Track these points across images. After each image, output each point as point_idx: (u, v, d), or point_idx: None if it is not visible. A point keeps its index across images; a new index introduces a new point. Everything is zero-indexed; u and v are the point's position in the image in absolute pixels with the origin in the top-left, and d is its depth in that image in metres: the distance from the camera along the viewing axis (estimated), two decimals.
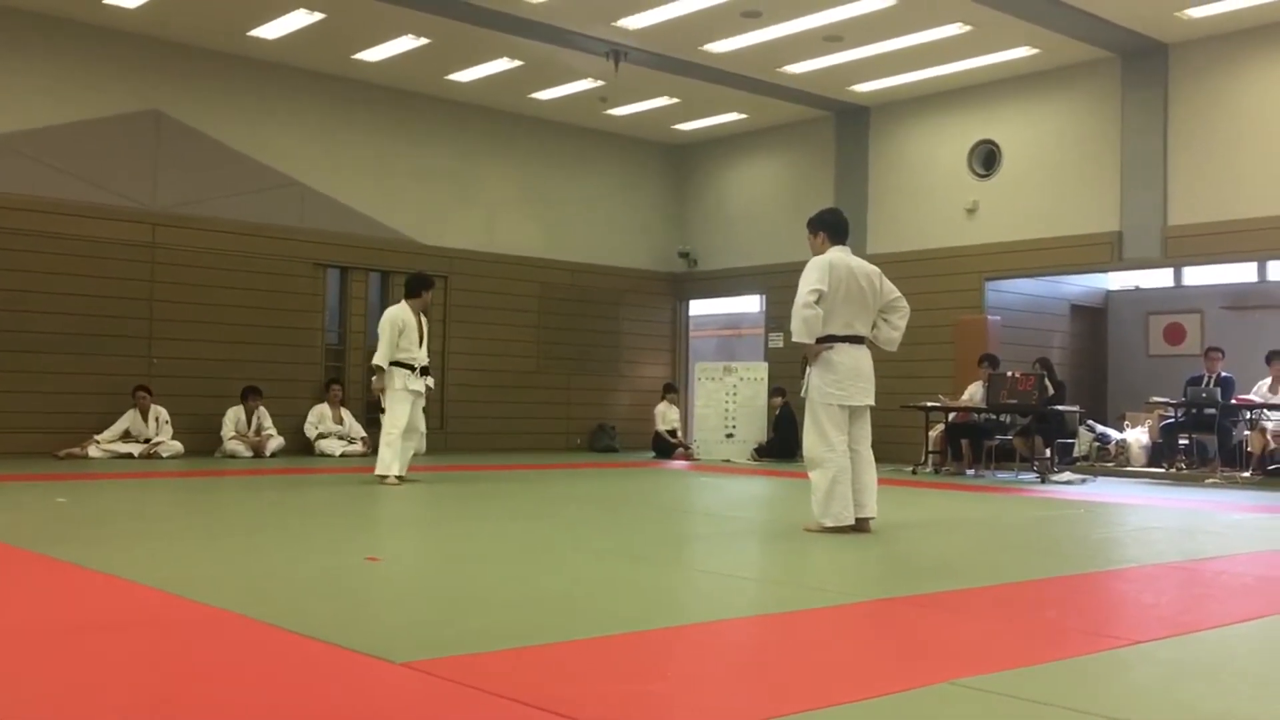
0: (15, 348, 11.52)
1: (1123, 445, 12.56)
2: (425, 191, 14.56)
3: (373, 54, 12.91)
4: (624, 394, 16.41)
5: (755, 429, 14.34)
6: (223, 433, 12.40)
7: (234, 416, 12.52)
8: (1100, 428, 13.16)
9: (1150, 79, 12.30)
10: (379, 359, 9.00)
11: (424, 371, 9.17)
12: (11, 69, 11.63)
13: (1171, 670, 3.01)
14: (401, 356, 9.01)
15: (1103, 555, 5.76)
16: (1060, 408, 11.52)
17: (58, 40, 11.88)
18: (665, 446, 14.68)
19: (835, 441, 5.97)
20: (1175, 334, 14.67)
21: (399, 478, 8.88)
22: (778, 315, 15.23)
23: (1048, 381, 11.41)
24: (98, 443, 11.65)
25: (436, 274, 14.42)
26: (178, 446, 11.96)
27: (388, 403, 9.01)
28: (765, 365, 14.80)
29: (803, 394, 6.18)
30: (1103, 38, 12.01)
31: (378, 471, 8.90)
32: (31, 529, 5.67)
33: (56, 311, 11.78)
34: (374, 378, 9.14)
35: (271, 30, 12.17)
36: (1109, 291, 15.50)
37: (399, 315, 9.12)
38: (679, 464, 13.39)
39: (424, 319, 9.29)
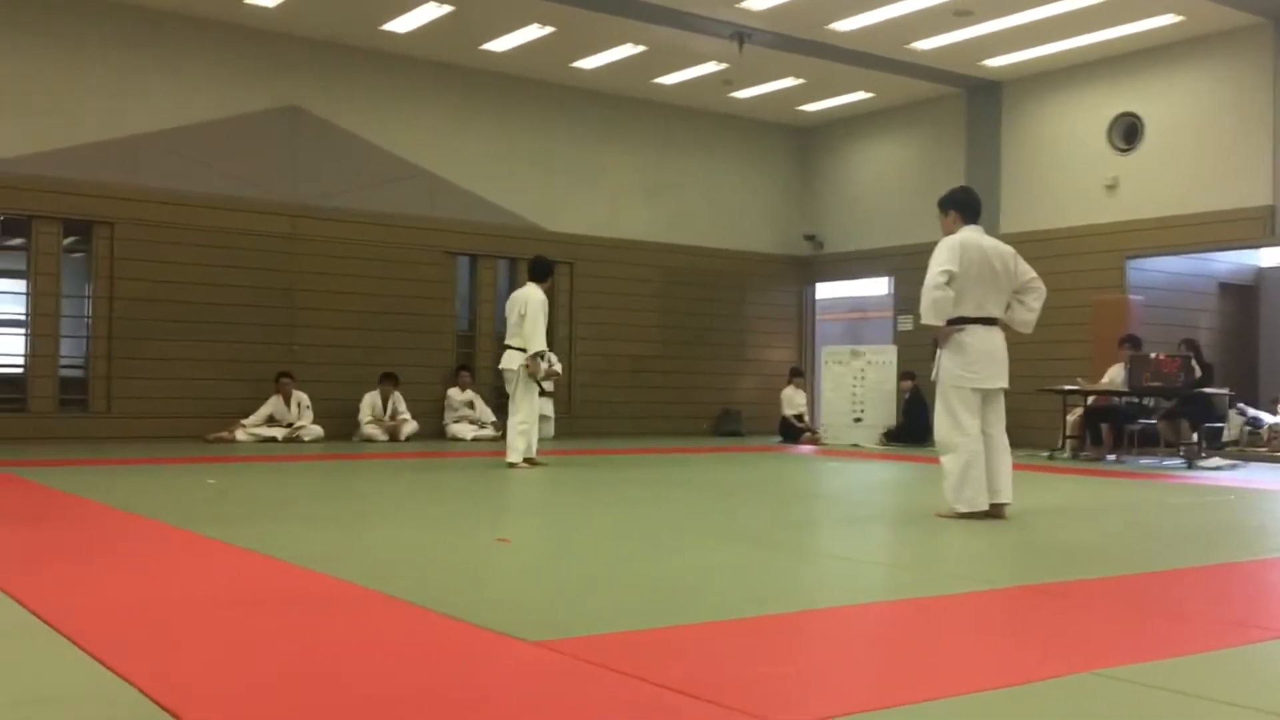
0: (164, 336, 12.07)
1: (1276, 430, 11.96)
2: (549, 178, 14.72)
3: (499, 44, 13.10)
4: (750, 378, 16.34)
5: (884, 413, 14.12)
6: (360, 417, 12.79)
7: (370, 402, 12.90)
8: (1252, 411, 12.55)
9: None
10: (539, 344, 8.97)
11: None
12: (156, 68, 12.18)
13: None
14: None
15: (1254, 544, 5.50)
16: (1208, 390, 11.02)
17: (199, 40, 12.39)
18: (792, 431, 14.57)
19: (968, 425, 5.84)
20: None
21: (529, 461, 9.00)
22: (906, 297, 14.94)
23: (1194, 363, 10.93)
24: (244, 427, 12.14)
25: (561, 260, 14.62)
26: (318, 431, 12.39)
27: (522, 391, 9.06)
28: (894, 348, 14.55)
29: (933, 377, 6.06)
30: (1253, 3, 11.40)
31: (510, 459, 8.98)
32: (184, 509, 5.94)
33: (202, 301, 12.30)
34: (529, 362, 8.97)
35: (403, 24, 12.46)
36: (1261, 268, 14.75)
37: (544, 300, 9.13)
38: (806, 449, 13.28)
39: None
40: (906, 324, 15.06)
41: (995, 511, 5.84)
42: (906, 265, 14.47)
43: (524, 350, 9.04)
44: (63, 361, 12.08)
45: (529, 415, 9.05)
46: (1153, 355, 11.05)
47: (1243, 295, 14.69)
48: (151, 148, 12.12)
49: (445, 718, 2.27)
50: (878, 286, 16.65)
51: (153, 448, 10.58)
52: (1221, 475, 9.61)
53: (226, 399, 12.27)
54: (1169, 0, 11.41)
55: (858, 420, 14.18)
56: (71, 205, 11.73)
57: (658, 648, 2.89)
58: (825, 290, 17.28)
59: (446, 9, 11.96)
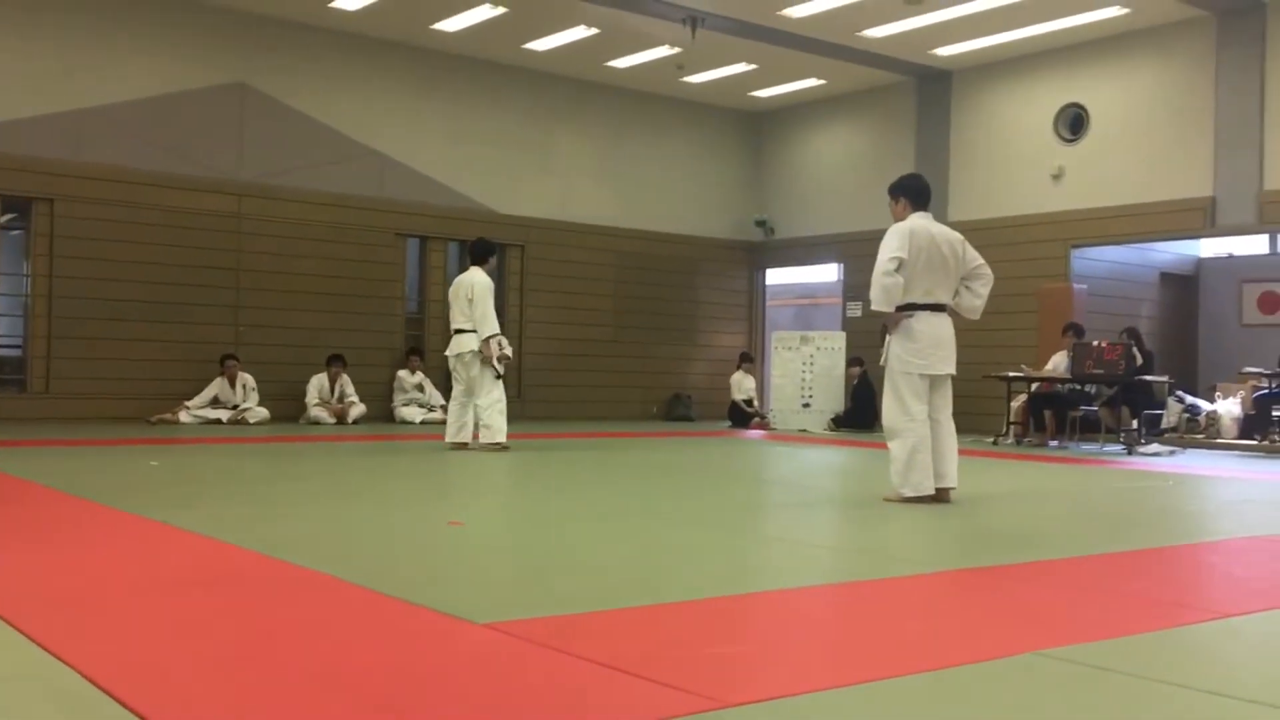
0: (108, 316, 11.86)
1: (1213, 417, 12.21)
2: (502, 161, 14.63)
3: (451, 23, 12.97)
4: (700, 363, 16.39)
5: (832, 399, 14.23)
6: (307, 399, 12.65)
7: (318, 384, 12.77)
8: (1190, 399, 12.80)
9: (1247, 38, 11.85)
10: (492, 328, 8.94)
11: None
12: (98, 42, 11.92)
13: (1264, 644, 2.93)
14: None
15: (1192, 528, 5.62)
16: (1148, 378, 11.23)
17: (144, 13, 12.14)
18: (741, 416, 14.64)
19: (915, 411, 5.90)
20: (1270, 303, 14.20)
21: (472, 445, 8.99)
22: (856, 284, 15.06)
23: (1135, 351, 11.13)
24: (188, 408, 11.97)
25: (512, 243, 14.60)
26: (264, 413, 12.24)
27: (486, 373, 9.02)
28: (843, 335, 14.66)
29: (882, 363, 6.11)
30: None
31: (493, 440, 8.92)
32: (126, 491, 5.85)
33: (147, 280, 12.09)
34: (483, 346, 8.94)
35: (353, 1, 12.29)
36: (1201, 259, 15.04)
37: (489, 282, 9.11)
38: (755, 433, 13.35)
39: None
40: (855, 310, 15.18)
41: (941, 496, 5.91)
42: (856, 252, 14.58)
43: (474, 333, 9.00)
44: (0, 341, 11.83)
45: (500, 394, 9.05)
46: (1095, 343, 11.23)
47: (1183, 285, 14.97)
48: (94, 123, 11.87)
49: (390, 697, 2.26)
50: (827, 273, 16.76)
51: (94, 429, 10.40)
52: (1160, 461, 9.80)
53: (170, 380, 12.09)
54: None
55: (806, 405, 14.27)
56: (9, 181, 11.45)
57: (608, 629, 2.89)
58: (775, 276, 17.36)
59: None
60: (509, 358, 9.36)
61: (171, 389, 12.04)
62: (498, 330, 9.02)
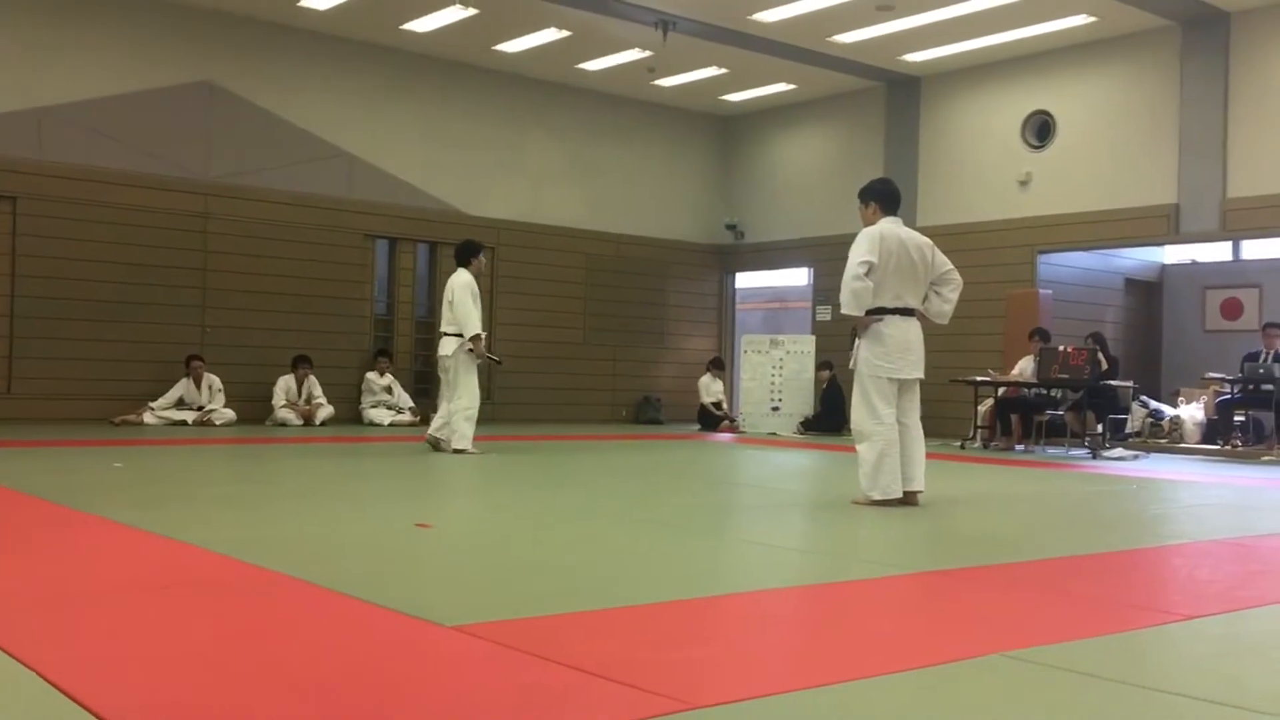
0: (73, 316, 11.72)
1: (1176, 422, 12.35)
2: (472, 162, 14.59)
3: (421, 24, 12.92)
4: (670, 366, 16.41)
5: (801, 402, 14.28)
6: (274, 401, 12.56)
7: (285, 385, 12.68)
8: (1154, 404, 12.95)
9: (1211, 47, 12.01)
10: (474, 326, 8.93)
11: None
12: (63, 39, 11.78)
13: (1224, 645, 2.97)
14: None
15: (1155, 531, 5.68)
16: (1113, 383, 11.35)
17: (112, 12, 12.02)
18: (710, 419, 14.67)
19: (883, 415, 5.93)
20: (1232, 309, 14.39)
21: (467, 451, 8.91)
22: (826, 288, 15.13)
23: (1100, 356, 11.25)
24: (153, 410, 11.85)
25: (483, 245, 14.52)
26: (230, 414, 12.14)
27: (463, 376, 8.99)
28: (812, 338, 14.72)
29: (851, 366, 6.14)
30: (1163, 6, 11.74)
31: (458, 446, 8.88)
32: (89, 492, 5.78)
33: (112, 280, 11.97)
34: (472, 344, 8.95)
35: (321, 0, 12.22)
36: (1165, 265, 15.22)
37: (474, 283, 9.09)
38: (724, 436, 13.38)
39: None
40: (825, 314, 15.25)
41: (909, 499, 5.94)
42: (826, 255, 14.65)
43: (460, 336, 8.98)
44: None
45: (472, 400, 9.00)
46: (1061, 348, 11.34)
47: (1147, 291, 15.14)
48: (58, 121, 11.74)
49: (357, 700, 2.25)
50: (797, 276, 16.83)
51: (57, 430, 10.27)
52: (1125, 465, 9.91)
53: (135, 381, 11.97)
54: (1084, 1, 11.68)
55: (775, 409, 14.32)
56: None
57: (576, 631, 2.89)
58: (745, 279, 17.41)
59: None
60: (498, 362, 9.33)
61: (136, 390, 11.92)
62: (478, 329, 9.00)
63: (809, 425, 13.94)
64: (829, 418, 13.66)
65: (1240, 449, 11.11)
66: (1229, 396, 11.56)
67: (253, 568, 3.67)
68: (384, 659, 2.61)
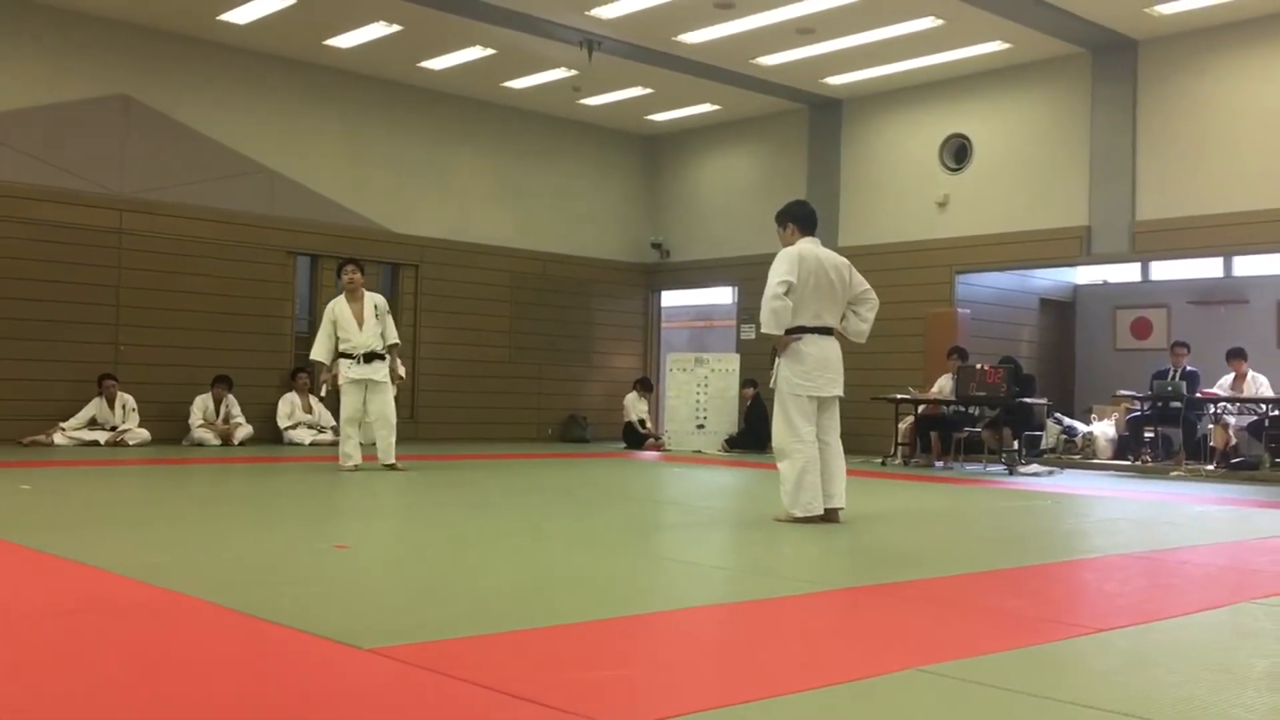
0: None
1: (1089, 438, 12.67)
2: (397, 180, 14.48)
3: (344, 40, 12.81)
4: (596, 384, 16.40)
5: (726, 420, 14.37)
6: (190, 421, 12.30)
7: (202, 405, 12.43)
8: (1067, 420, 13.27)
9: (1120, 75, 12.39)
10: (312, 354, 9.35)
11: (368, 359, 9.12)
12: None
13: (1132, 658, 3.04)
14: (344, 347, 9.15)
15: (1068, 545, 5.81)
16: (1028, 400, 11.61)
17: (25, 23, 11.72)
18: (636, 437, 14.68)
19: (804, 432, 5.99)
20: (1142, 328, 14.82)
21: (356, 466, 8.98)
22: (749, 306, 15.26)
23: (1015, 375, 11.49)
24: (63, 430, 11.53)
25: (407, 263, 14.44)
26: (145, 434, 11.86)
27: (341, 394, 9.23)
28: (737, 357, 14.83)
29: (771, 385, 6.20)
30: (1073, 33, 12.09)
31: (340, 462, 9.09)
32: None
33: (21, 297, 11.64)
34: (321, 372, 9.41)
35: (242, 14, 12.05)
36: (1077, 286, 15.62)
37: (330, 306, 9.33)
38: (649, 454, 13.40)
39: (368, 303, 9.25)
40: (749, 333, 15.38)
41: (830, 516, 6.00)
42: (749, 275, 14.78)
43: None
44: None
45: (342, 419, 9.22)
46: (978, 366, 11.57)
47: (1061, 311, 15.52)
48: None
49: None
50: (722, 295, 16.95)
51: None
52: (1040, 481, 10.13)
53: (45, 400, 11.63)
54: (998, 27, 11.99)
55: (700, 427, 14.39)
56: None
57: (494, 652, 2.87)
58: (671, 298, 17.49)
59: (288, 1, 11.63)
60: (332, 386, 9.45)
61: (47, 409, 11.59)
62: (315, 357, 9.35)
63: (733, 443, 14.03)
64: (753, 435, 13.76)
65: (1150, 464, 11.42)
66: (1139, 413, 11.88)
67: (165, 592, 3.59)
68: (300, 683, 2.57)
